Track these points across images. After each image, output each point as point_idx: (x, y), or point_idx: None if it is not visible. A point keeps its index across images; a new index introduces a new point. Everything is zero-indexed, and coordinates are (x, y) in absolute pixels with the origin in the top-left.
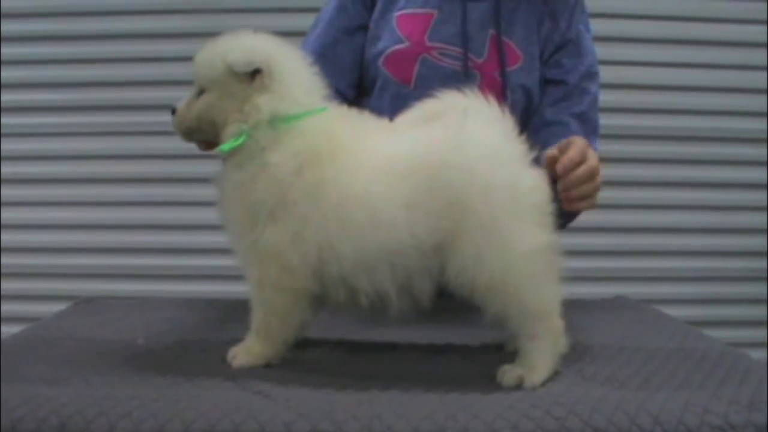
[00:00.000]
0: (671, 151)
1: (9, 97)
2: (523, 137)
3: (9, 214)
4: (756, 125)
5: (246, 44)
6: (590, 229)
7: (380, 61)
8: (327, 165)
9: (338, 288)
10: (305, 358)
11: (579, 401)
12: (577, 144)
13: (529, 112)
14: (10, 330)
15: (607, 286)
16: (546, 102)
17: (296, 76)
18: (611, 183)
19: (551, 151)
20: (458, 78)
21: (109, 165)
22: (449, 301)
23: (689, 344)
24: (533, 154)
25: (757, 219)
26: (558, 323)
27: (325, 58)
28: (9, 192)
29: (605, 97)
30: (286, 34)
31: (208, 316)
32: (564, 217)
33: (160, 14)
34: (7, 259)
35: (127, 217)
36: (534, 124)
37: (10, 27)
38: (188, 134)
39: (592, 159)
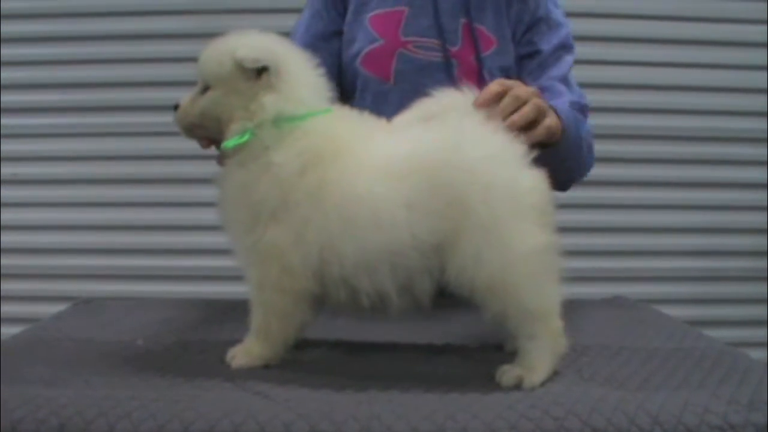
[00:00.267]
0: (671, 151)
1: (9, 97)
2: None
3: (10, 215)
4: (756, 125)
5: (254, 42)
6: (589, 229)
7: (358, 62)
8: (329, 166)
9: (339, 288)
10: (304, 359)
11: (578, 401)
12: (499, 81)
13: None
14: (9, 331)
15: (605, 286)
16: (524, 74)
17: (302, 76)
18: (611, 183)
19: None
20: (435, 68)
21: (109, 166)
22: (449, 301)
23: (688, 344)
24: (533, 154)
25: (756, 219)
26: (558, 324)
27: None
28: (9, 193)
29: (605, 98)
30: (286, 34)
31: (208, 317)
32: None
33: (161, 15)
34: (7, 260)
35: (126, 218)
36: None
37: (10, 28)
38: (190, 130)
39: (518, 88)
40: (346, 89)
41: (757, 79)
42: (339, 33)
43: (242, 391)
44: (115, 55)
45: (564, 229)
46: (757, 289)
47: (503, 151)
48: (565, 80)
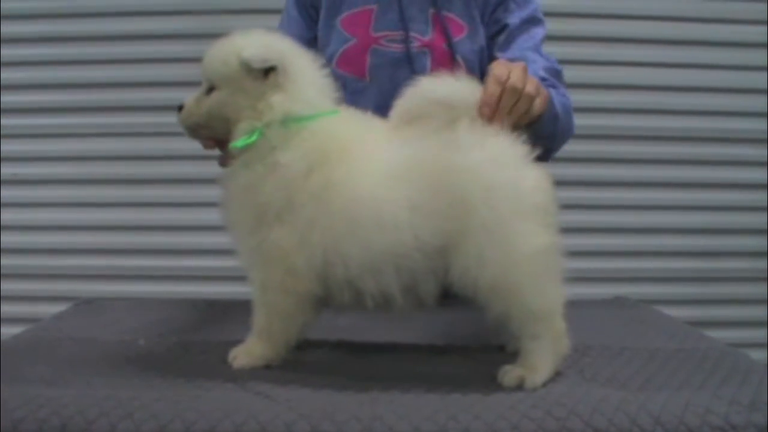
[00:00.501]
0: (671, 151)
1: (9, 98)
2: None
3: (10, 215)
4: (756, 126)
5: (260, 41)
6: (590, 229)
7: (333, 64)
8: (335, 167)
9: (343, 290)
10: (306, 359)
11: (580, 402)
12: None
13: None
14: (10, 331)
15: (607, 286)
16: (494, 50)
17: (309, 76)
18: (612, 184)
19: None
20: (408, 60)
21: (109, 166)
22: (451, 301)
23: (690, 345)
24: (535, 154)
25: (757, 219)
26: (560, 324)
27: None
28: (9, 193)
29: (606, 98)
30: None
31: (209, 317)
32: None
33: (161, 15)
34: (8, 260)
35: (127, 218)
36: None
37: (10, 28)
38: (195, 130)
39: (513, 79)
40: None
41: (757, 79)
42: (315, 39)
43: (244, 391)
44: (115, 55)
45: (565, 230)
46: (757, 289)
47: (505, 152)
48: (535, 50)
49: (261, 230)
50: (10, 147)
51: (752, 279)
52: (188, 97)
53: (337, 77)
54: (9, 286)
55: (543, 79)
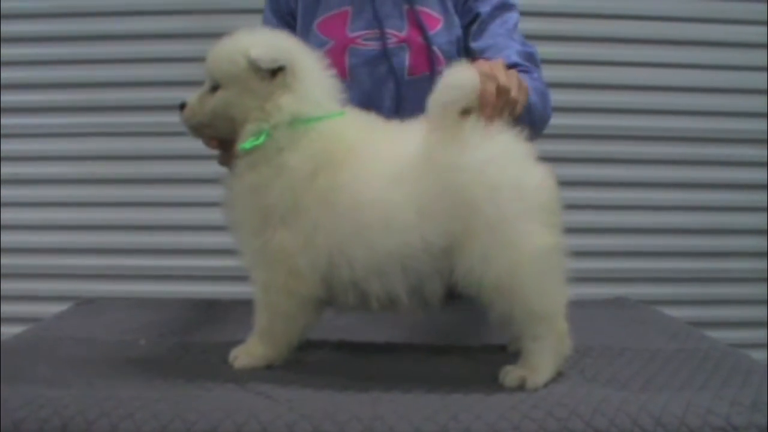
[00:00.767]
0: (672, 152)
1: (9, 97)
2: None
3: (10, 215)
4: (756, 126)
5: (268, 41)
6: (591, 230)
7: None
8: (340, 169)
9: (348, 292)
10: (307, 359)
11: (581, 402)
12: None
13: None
14: (11, 331)
15: (608, 286)
16: (469, 40)
17: (316, 77)
18: (612, 184)
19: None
20: (385, 56)
21: (110, 166)
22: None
23: (691, 345)
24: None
25: (757, 220)
26: (563, 325)
27: None
28: (9, 193)
29: (606, 98)
30: None
31: (210, 317)
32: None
33: (161, 15)
34: (8, 260)
35: (128, 218)
36: (468, 58)
37: (10, 28)
38: (198, 129)
39: (501, 80)
40: None
41: (758, 80)
42: None
43: (245, 391)
44: (115, 55)
45: (566, 230)
46: (757, 290)
47: (509, 151)
48: (508, 36)
49: (265, 232)
50: (10, 147)
51: (752, 279)
52: (191, 95)
53: None
54: (9, 286)
55: (516, 65)
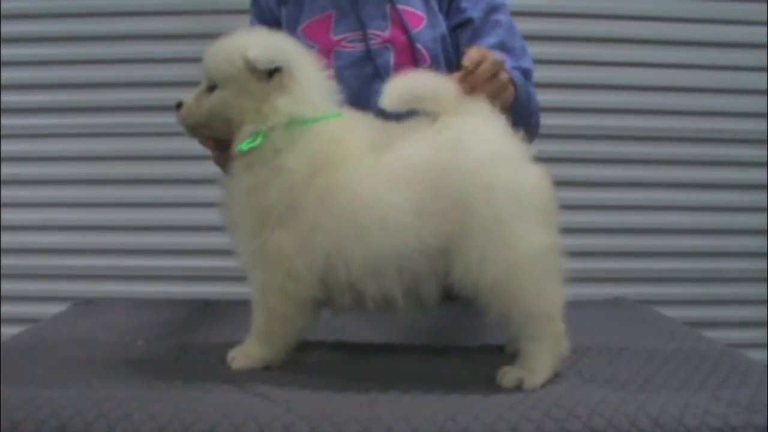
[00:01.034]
0: (671, 152)
1: (9, 98)
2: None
3: (9, 215)
4: (756, 126)
5: (265, 41)
6: (589, 230)
7: None
8: (337, 170)
9: (344, 293)
10: (305, 360)
11: (579, 403)
12: (476, 48)
13: (452, 56)
14: (10, 331)
15: (606, 287)
16: (461, 44)
17: (313, 78)
18: (611, 184)
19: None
20: (370, 57)
21: (109, 166)
22: (450, 303)
23: (689, 345)
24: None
25: (757, 220)
26: (560, 326)
27: None
28: (9, 193)
29: (606, 98)
30: None
31: (208, 318)
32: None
33: (161, 15)
34: (7, 261)
35: (127, 219)
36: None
37: (10, 28)
38: (195, 129)
39: (491, 56)
40: None
41: (758, 80)
42: None
43: (243, 392)
44: (115, 55)
45: (564, 230)
46: (757, 290)
47: (505, 151)
48: (502, 47)
49: (263, 233)
50: (10, 147)
51: (752, 279)
52: (187, 95)
53: None
54: (9, 287)
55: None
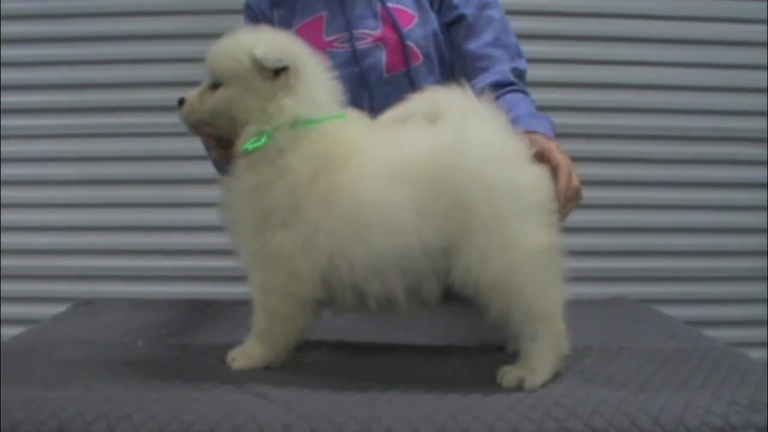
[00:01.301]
0: (671, 150)
1: (9, 98)
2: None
3: (9, 216)
4: (756, 125)
5: (272, 40)
6: (589, 229)
7: None
8: (340, 170)
9: (347, 293)
10: (304, 360)
11: (579, 402)
12: (563, 167)
13: (445, 53)
14: (9, 332)
15: (606, 286)
16: (456, 41)
17: (319, 78)
18: (611, 183)
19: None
20: (359, 57)
21: (109, 167)
22: (450, 302)
23: (689, 345)
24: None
25: (757, 219)
26: (560, 325)
27: None
28: (9, 194)
29: (606, 97)
30: None
31: (208, 318)
32: None
33: (160, 16)
34: (7, 261)
35: (126, 219)
36: (459, 61)
37: (10, 29)
38: (197, 127)
39: (574, 179)
40: None
41: (758, 78)
42: None
43: (242, 392)
44: (114, 56)
45: (564, 230)
46: (757, 289)
47: (505, 150)
48: (498, 43)
49: (265, 233)
50: (10, 148)
51: (752, 278)
52: (190, 92)
53: None
54: (8, 287)
55: (511, 83)
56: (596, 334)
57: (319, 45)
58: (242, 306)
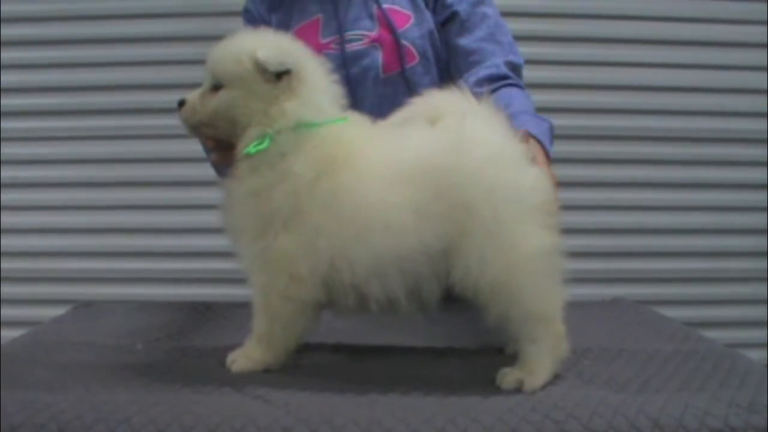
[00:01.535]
0: (671, 152)
1: (9, 101)
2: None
3: (9, 219)
4: (756, 126)
5: (274, 43)
6: (589, 230)
7: None
8: (341, 173)
9: (348, 295)
10: (304, 363)
11: (578, 404)
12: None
13: (442, 52)
14: (9, 334)
15: (605, 287)
16: (450, 39)
17: (320, 82)
18: (611, 184)
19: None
20: (356, 58)
21: (109, 169)
22: (450, 304)
23: (688, 346)
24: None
25: (757, 219)
26: (559, 327)
27: None
28: (9, 196)
29: (606, 99)
30: None
31: (207, 320)
32: None
33: (161, 18)
34: (7, 264)
35: (126, 221)
36: (452, 57)
37: (10, 31)
38: (197, 128)
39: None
40: None
41: (758, 80)
42: None
43: (242, 395)
44: (114, 58)
45: (564, 230)
46: (757, 290)
47: (505, 152)
48: (492, 39)
49: (266, 236)
50: (10, 150)
51: (752, 279)
52: (191, 93)
53: None
54: (8, 290)
55: (506, 77)
56: (595, 336)
57: (315, 47)
58: (242, 308)
